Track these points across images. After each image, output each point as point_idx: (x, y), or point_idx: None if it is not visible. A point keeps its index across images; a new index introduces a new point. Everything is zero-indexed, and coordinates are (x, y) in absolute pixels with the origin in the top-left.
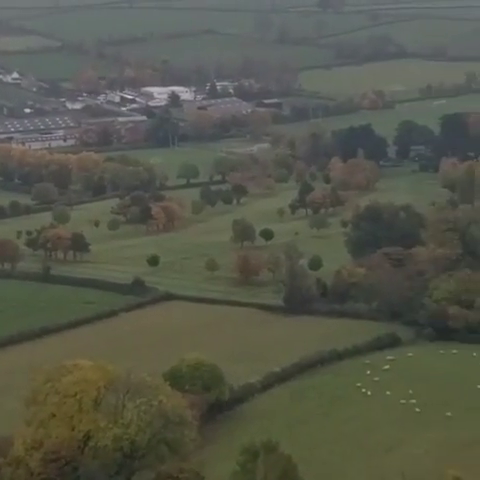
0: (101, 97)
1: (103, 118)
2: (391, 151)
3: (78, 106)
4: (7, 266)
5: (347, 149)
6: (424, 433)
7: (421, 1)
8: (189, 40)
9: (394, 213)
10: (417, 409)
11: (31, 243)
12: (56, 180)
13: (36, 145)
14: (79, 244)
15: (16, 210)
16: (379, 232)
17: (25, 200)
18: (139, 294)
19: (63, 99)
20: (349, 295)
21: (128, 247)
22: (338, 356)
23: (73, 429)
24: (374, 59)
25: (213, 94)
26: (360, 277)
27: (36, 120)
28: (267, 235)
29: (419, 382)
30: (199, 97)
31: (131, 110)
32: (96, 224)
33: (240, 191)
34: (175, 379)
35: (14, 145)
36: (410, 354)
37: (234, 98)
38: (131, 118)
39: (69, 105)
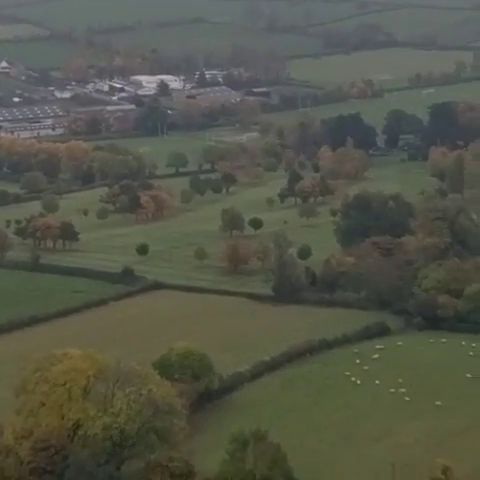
0: (90, 86)
1: (92, 107)
2: (380, 140)
3: (67, 95)
4: None
5: (336, 138)
6: (413, 422)
7: None
8: (178, 29)
9: (383, 202)
10: (406, 398)
11: (20, 232)
12: (45, 169)
13: (25, 134)
14: (68, 233)
15: (5, 199)
16: (368, 221)
17: (14, 189)
18: (128, 283)
19: (52, 88)
20: (338, 284)
21: (117, 236)
22: (327, 345)
23: (63, 418)
24: (363, 48)
25: (202, 83)
26: (349, 266)
27: (25, 109)
28: (256, 224)
29: (408, 371)
30: (188, 86)
31: (120, 99)
32: (85, 213)
33: (229, 180)
34: (164, 368)
35: (3, 134)
36: (399, 343)
37: (223, 87)
38: (120, 107)
39: (58, 94)
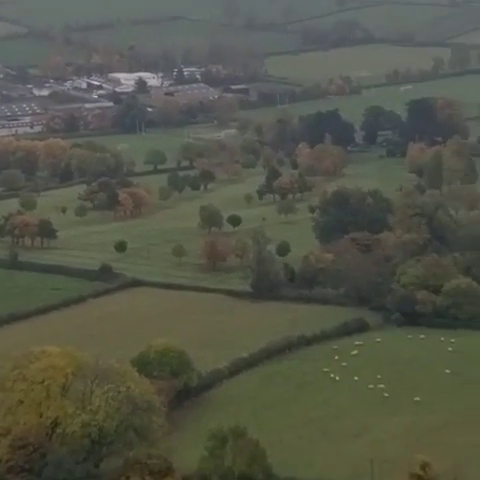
0: (68, 83)
1: (70, 104)
2: (358, 136)
3: (45, 92)
4: None
5: (314, 135)
6: (392, 418)
7: None
8: (156, 26)
9: (361, 198)
10: (385, 394)
11: None
12: (23, 167)
13: (3, 132)
14: (46, 231)
15: None
16: (347, 217)
17: None
18: (107, 280)
19: (30, 85)
20: (317, 281)
21: (95, 233)
22: (306, 341)
23: (41, 416)
24: (341, 44)
25: (180, 80)
26: (328, 263)
27: (3, 107)
28: (234, 221)
29: (387, 367)
30: (166, 83)
31: (98, 96)
32: (63, 210)
33: (207, 177)
34: (143, 365)
35: None
36: (378, 339)
37: (201, 84)
38: (98, 104)
39: (36, 91)
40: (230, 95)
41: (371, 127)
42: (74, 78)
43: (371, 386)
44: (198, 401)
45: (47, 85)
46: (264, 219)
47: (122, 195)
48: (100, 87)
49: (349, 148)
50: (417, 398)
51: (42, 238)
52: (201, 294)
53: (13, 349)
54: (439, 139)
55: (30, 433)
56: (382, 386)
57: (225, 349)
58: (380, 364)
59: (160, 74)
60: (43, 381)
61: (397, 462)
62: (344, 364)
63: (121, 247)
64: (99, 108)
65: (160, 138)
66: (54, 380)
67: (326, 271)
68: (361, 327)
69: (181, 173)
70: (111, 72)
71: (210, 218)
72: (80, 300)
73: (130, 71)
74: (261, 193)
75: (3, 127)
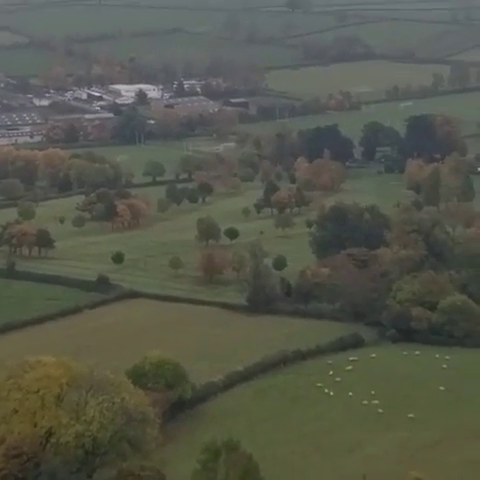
0: (68, 94)
1: (70, 115)
2: (357, 152)
3: (45, 102)
4: None
5: (313, 149)
6: (386, 434)
7: (389, 3)
8: (157, 38)
9: (359, 214)
10: (379, 410)
11: None
12: (22, 176)
13: (3, 141)
14: (44, 240)
15: None
16: (344, 233)
17: None
18: (103, 291)
19: (30, 95)
20: (313, 295)
21: (93, 244)
22: (301, 356)
23: (35, 425)
24: (341, 60)
25: (180, 92)
26: (324, 277)
27: (3, 116)
28: (232, 234)
29: (381, 383)
30: (166, 95)
31: (98, 107)
32: (61, 221)
33: (206, 190)
34: (138, 377)
35: None
36: (373, 355)
37: (201, 97)
38: (98, 115)
39: (36, 101)
40: (230, 108)
41: (370, 143)
42: (74, 89)
43: (365, 402)
44: (192, 414)
45: (47, 95)
46: (261, 233)
47: (120, 206)
48: (100, 98)
49: (347, 163)
50: (411, 414)
51: (40, 248)
52: (197, 307)
53: (8, 358)
54: (437, 156)
55: (24, 442)
56: (376, 402)
57: (220, 362)
58: (374, 380)
59: (160, 86)
60: (38, 391)
61: (390, 478)
62: (338, 379)
63: (118, 258)
64: (99, 119)
65: (159, 150)
66: (49, 390)
67: (322, 286)
68: (356, 342)
69: (179, 185)
70: (111, 83)
71: (208, 231)
72: (76, 310)
73: (130, 83)
74: (259, 207)
75: (3, 136)
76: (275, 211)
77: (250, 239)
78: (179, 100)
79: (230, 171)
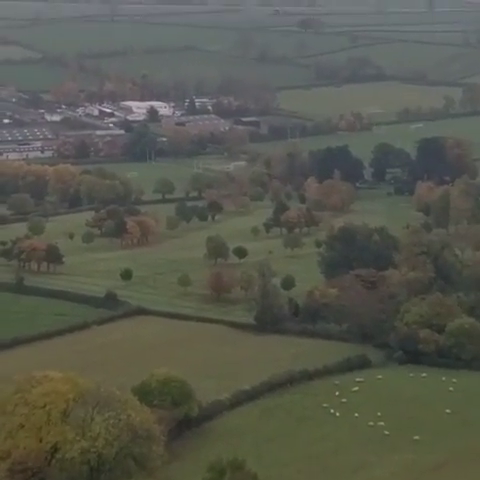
0: (80, 110)
1: (81, 131)
2: (367, 173)
3: (57, 118)
4: None
5: (323, 170)
6: (391, 456)
7: (401, 24)
8: (169, 55)
9: (368, 235)
10: (385, 431)
11: (5, 253)
12: (32, 191)
13: (14, 156)
14: (53, 256)
15: None
16: (352, 253)
17: (1, 210)
18: (111, 308)
19: (42, 111)
20: (321, 315)
21: (102, 260)
22: (308, 376)
23: (41, 440)
24: (353, 81)
25: (192, 110)
26: (332, 298)
27: (14, 131)
28: (241, 253)
29: (388, 405)
30: (177, 113)
31: (109, 124)
32: (71, 236)
33: (215, 208)
34: (144, 394)
35: None
36: (380, 376)
37: (212, 115)
38: (109, 132)
39: (48, 117)
40: (241, 127)
41: (380, 164)
42: (86, 105)
43: (371, 423)
44: (198, 432)
45: (59, 111)
46: (270, 252)
47: (130, 223)
48: (112, 115)
49: (357, 184)
50: (417, 437)
51: (49, 263)
52: (205, 325)
53: (16, 373)
54: (447, 178)
55: (29, 457)
56: (382, 423)
57: (227, 380)
58: (381, 401)
59: (172, 104)
60: (44, 406)
61: None
62: (345, 400)
63: (127, 275)
64: (110, 135)
65: (170, 167)
66: (55, 405)
67: (330, 306)
68: (363, 364)
69: (189, 203)
70: (123, 100)
71: (216, 249)
72: (84, 326)
73: (142, 100)
74: (268, 226)
75: (14, 151)
76: (284, 231)
77: (259, 258)
78: (190, 118)
79: (240, 190)
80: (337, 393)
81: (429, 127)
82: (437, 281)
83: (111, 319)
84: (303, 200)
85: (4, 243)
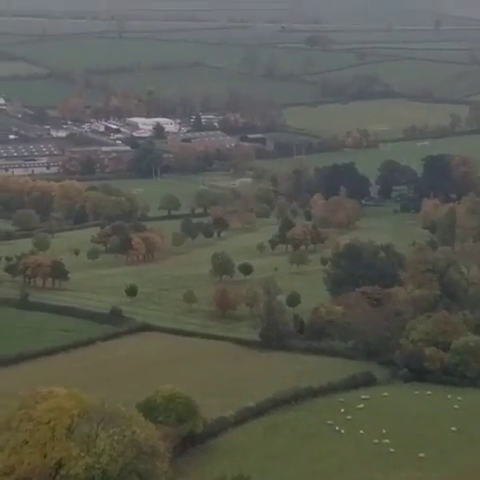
0: (86, 126)
1: (87, 147)
2: (373, 190)
3: (62, 134)
4: None
5: (329, 187)
6: (396, 473)
7: (408, 42)
8: (176, 72)
9: (374, 252)
10: (390, 449)
11: (10, 269)
12: (38, 207)
13: (19, 171)
14: (58, 272)
15: None
16: (358, 271)
17: (6, 226)
18: (116, 324)
19: (48, 126)
20: (326, 333)
21: (107, 276)
22: (313, 393)
23: (45, 456)
24: (360, 98)
25: (198, 127)
26: (338, 315)
27: (20, 146)
28: (246, 270)
29: (393, 422)
30: (184, 129)
31: (115, 140)
32: (76, 252)
33: (221, 225)
34: (149, 410)
35: None
36: (385, 394)
37: (218, 132)
38: (115, 148)
39: (54, 133)
40: (247, 144)
41: (386, 181)
42: (92, 121)
43: (376, 440)
44: (203, 448)
45: (65, 127)
46: (276, 269)
47: (135, 239)
48: (118, 131)
49: (363, 201)
50: (422, 454)
51: (54, 279)
52: (210, 341)
53: (20, 389)
54: (453, 196)
55: (34, 473)
56: (387, 441)
57: (232, 397)
58: (386, 419)
59: (178, 120)
60: (49, 422)
61: None
62: (350, 417)
63: (132, 291)
64: (116, 152)
65: (175, 184)
66: (60, 421)
67: (336, 323)
68: (368, 381)
69: (195, 220)
70: (129, 116)
71: (222, 266)
72: (89, 342)
73: (148, 116)
74: (274, 243)
75: (19, 167)
76: (290, 248)
77: (264, 275)
78: (196, 134)
79: (246, 206)
80: (342, 410)
81: (435, 144)
82: (443, 299)
83: (116, 335)
84: (309, 217)
85: (9, 259)
